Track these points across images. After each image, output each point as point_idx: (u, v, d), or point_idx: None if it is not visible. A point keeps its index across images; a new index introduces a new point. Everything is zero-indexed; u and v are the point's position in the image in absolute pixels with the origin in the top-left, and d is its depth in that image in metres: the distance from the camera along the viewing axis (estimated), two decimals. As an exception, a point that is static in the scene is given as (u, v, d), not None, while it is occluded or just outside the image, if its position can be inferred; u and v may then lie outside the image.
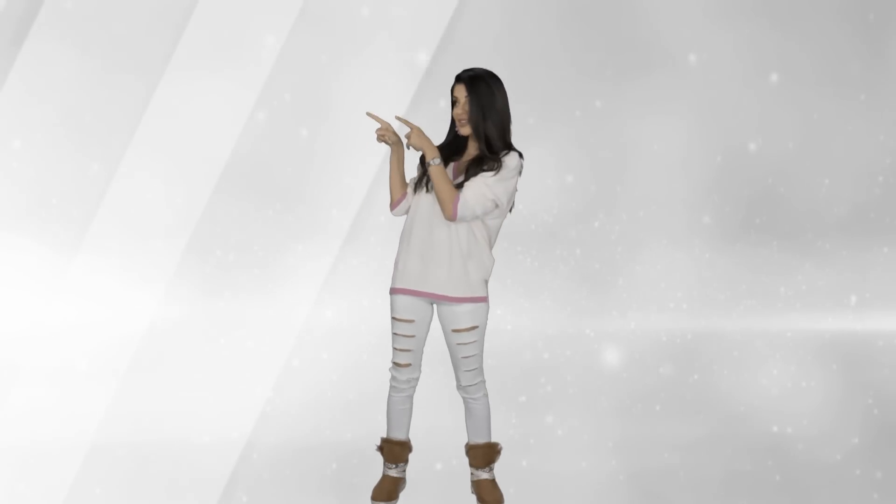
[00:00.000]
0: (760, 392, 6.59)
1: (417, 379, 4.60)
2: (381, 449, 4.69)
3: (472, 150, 4.50)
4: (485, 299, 4.49)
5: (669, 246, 8.11)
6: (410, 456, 4.72)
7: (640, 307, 7.91)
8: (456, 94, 4.45)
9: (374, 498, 4.64)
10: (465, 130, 4.45)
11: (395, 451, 4.65)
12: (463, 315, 4.46)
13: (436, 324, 4.58)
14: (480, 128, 4.41)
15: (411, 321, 4.50)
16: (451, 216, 4.37)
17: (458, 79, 4.47)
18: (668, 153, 8.13)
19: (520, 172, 4.45)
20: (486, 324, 4.51)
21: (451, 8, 7.79)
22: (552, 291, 7.93)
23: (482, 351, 4.55)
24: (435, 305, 4.52)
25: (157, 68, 7.58)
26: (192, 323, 7.30)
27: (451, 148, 4.52)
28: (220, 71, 7.62)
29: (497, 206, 4.43)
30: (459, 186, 4.41)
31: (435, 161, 4.38)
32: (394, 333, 4.53)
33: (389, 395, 4.63)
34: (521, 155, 4.46)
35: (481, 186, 4.38)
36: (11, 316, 7.18)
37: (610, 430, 5.87)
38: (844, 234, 8.27)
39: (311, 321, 7.38)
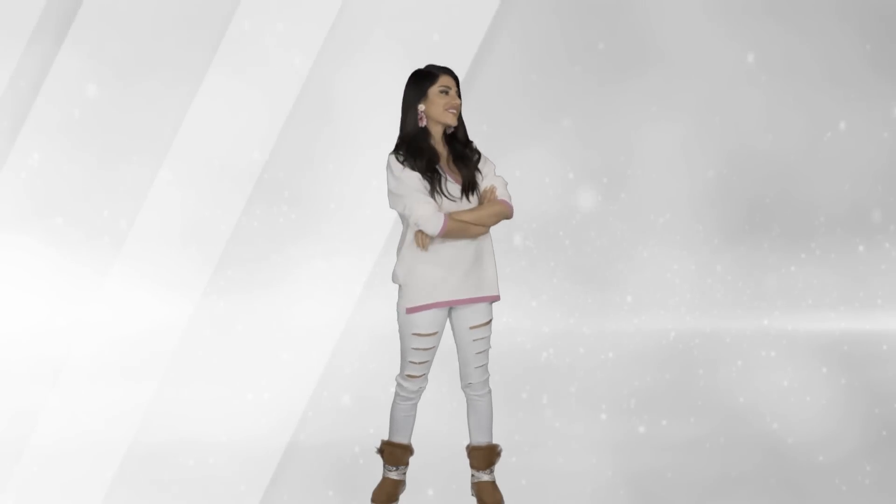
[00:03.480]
0: (761, 392, 6.58)
1: (425, 387, 4.60)
2: (381, 451, 4.69)
3: (441, 147, 4.44)
4: None
5: (670, 245, 8.10)
6: (410, 458, 4.72)
7: (640, 306, 7.90)
8: (446, 83, 4.37)
9: (374, 500, 4.64)
10: (454, 121, 4.39)
11: (396, 453, 4.64)
12: (483, 310, 4.48)
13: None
14: (461, 123, 4.45)
15: (434, 334, 4.45)
16: (512, 214, 4.46)
17: (444, 70, 4.40)
18: (670, 152, 8.13)
19: None
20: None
21: (486, 22, 7.80)
22: (552, 290, 7.92)
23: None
24: (451, 309, 4.51)
25: (196, 76, 7.66)
26: (213, 325, 7.37)
27: (424, 149, 4.39)
28: (254, 83, 7.70)
29: None
30: (466, 188, 4.40)
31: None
32: (413, 349, 4.45)
33: (396, 403, 4.60)
34: None
35: (500, 179, 4.46)
36: (52, 319, 7.25)
37: (610, 430, 5.87)
38: (848, 234, 8.26)
39: (312, 322, 7.40)
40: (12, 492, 4.87)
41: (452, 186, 4.38)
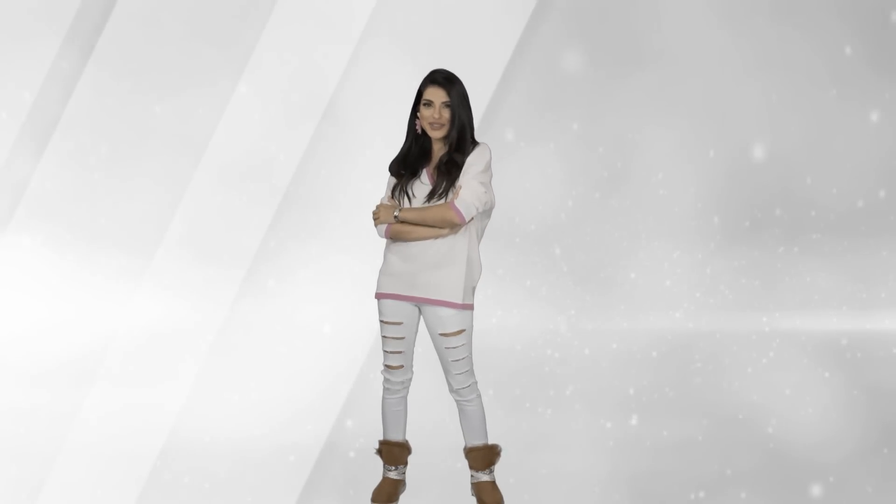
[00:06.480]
0: (762, 393, 6.59)
1: (410, 380, 4.63)
2: (379, 452, 4.71)
3: (438, 151, 4.49)
4: (470, 307, 4.49)
5: (671, 245, 8.11)
6: (410, 458, 4.73)
7: (640, 306, 7.91)
8: (430, 96, 4.41)
9: (374, 500, 4.65)
10: (438, 133, 4.42)
11: (393, 452, 4.66)
12: (449, 319, 4.46)
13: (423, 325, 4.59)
14: (458, 132, 4.43)
15: (399, 323, 4.51)
16: (459, 221, 4.38)
17: (433, 81, 4.43)
18: (671, 152, 8.13)
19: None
20: (472, 327, 4.52)
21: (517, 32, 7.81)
22: (553, 290, 7.93)
23: (471, 353, 4.55)
24: (420, 309, 4.53)
25: (201, 81, 7.69)
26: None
27: (418, 152, 4.48)
28: (284, 94, 7.72)
29: (490, 198, 4.46)
30: (440, 193, 4.40)
31: (396, 214, 4.40)
32: (383, 336, 4.55)
33: (383, 398, 4.65)
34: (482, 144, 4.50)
35: (474, 183, 4.39)
36: (86, 326, 7.29)
37: (609, 430, 5.87)
38: (849, 234, 8.26)
39: (311, 321, 7.40)
40: (48, 492, 4.89)
41: (420, 188, 4.44)
